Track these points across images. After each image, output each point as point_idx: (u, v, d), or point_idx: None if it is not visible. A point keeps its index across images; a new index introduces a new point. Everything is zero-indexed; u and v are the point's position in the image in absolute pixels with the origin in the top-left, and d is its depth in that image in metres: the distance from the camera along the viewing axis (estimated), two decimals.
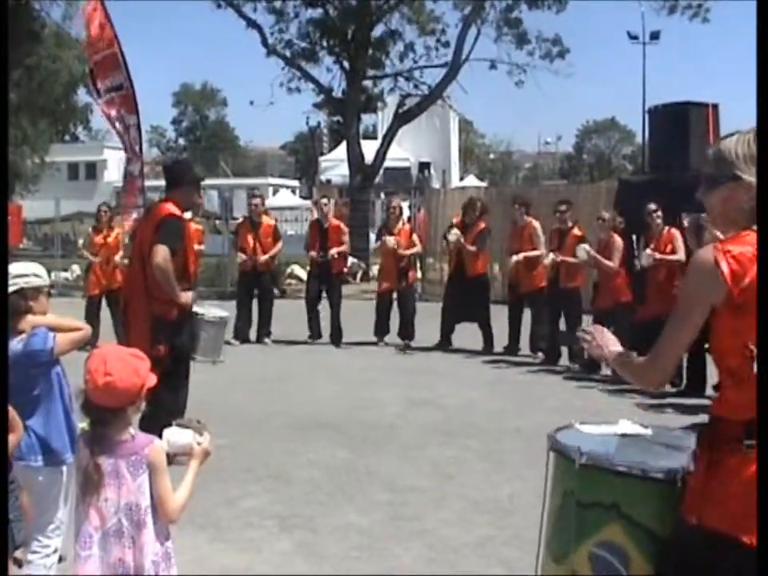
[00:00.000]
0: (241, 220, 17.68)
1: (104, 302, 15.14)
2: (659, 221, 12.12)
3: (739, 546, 3.13)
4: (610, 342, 3.79)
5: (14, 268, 5.18)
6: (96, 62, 11.49)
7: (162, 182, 8.93)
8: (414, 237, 16.00)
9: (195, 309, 8.68)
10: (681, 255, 11.80)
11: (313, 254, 15.93)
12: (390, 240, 15.33)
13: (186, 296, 8.44)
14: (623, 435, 4.07)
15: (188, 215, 10.98)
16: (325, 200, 16.61)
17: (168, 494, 3.93)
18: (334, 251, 15.77)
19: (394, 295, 15.76)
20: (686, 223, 11.93)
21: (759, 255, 3.22)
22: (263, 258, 15.93)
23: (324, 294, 15.98)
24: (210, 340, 8.79)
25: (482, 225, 15.13)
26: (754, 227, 3.32)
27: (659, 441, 4.02)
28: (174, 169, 9.21)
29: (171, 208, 8.48)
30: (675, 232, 12.02)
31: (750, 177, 3.33)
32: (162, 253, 8.19)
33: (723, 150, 3.40)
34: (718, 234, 3.50)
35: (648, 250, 12.10)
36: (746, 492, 3.14)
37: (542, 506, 4.03)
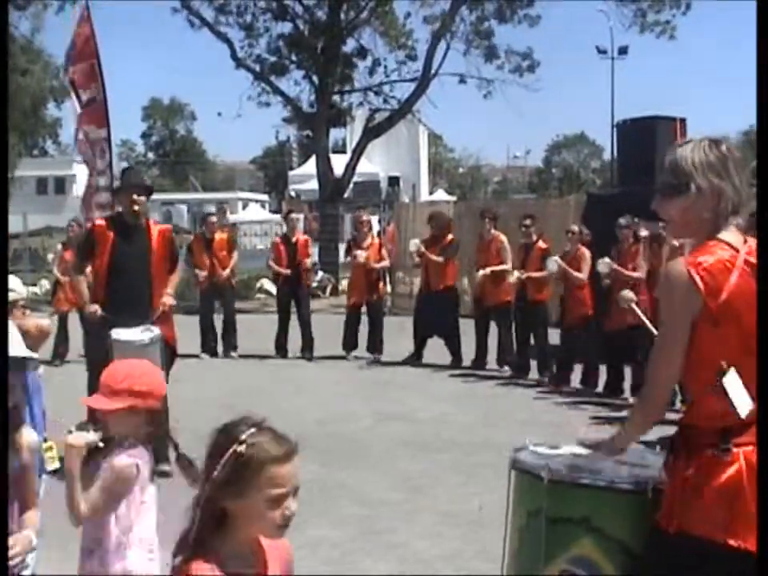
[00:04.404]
0: (192, 237, 17.87)
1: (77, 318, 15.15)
2: (629, 236, 12.11)
3: (725, 550, 3.15)
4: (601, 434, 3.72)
5: None
6: (76, 71, 11.52)
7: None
8: (383, 251, 16.06)
9: (116, 331, 8.25)
10: (641, 273, 11.85)
11: (281, 269, 15.94)
12: (361, 255, 15.37)
13: (90, 306, 8.79)
14: (578, 455, 3.99)
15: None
16: (295, 215, 16.71)
17: None
18: (308, 261, 15.88)
19: (363, 309, 15.81)
20: (644, 233, 12.00)
21: (760, 255, 3.27)
22: (225, 272, 16.06)
23: (293, 309, 16.01)
24: None
25: (450, 237, 15.19)
26: (720, 236, 3.35)
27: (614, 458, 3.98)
28: (120, 176, 9.61)
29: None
30: (640, 248, 12.03)
31: (707, 185, 3.34)
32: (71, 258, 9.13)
33: (680, 159, 3.39)
34: (676, 243, 3.53)
35: (606, 258, 12.14)
36: (727, 495, 3.17)
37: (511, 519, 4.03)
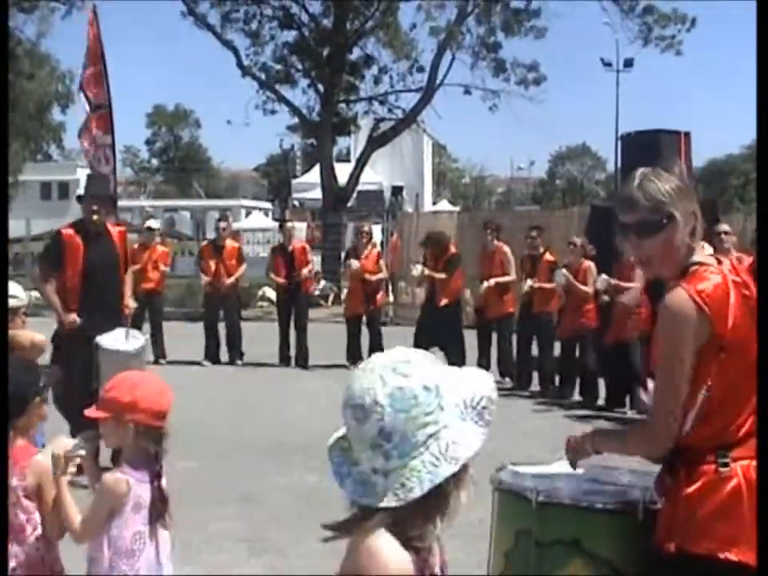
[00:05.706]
0: (204, 243, 17.88)
1: None
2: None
3: (727, 565, 3.15)
4: (580, 439, 3.72)
5: None
6: (86, 75, 11.58)
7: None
8: (381, 262, 16.05)
9: (101, 338, 8.25)
10: (638, 283, 11.85)
11: (279, 279, 15.99)
12: (354, 263, 15.36)
13: (69, 316, 8.56)
14: (560, 474, 3.96)
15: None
16: (290, 224, 16.76)
17: None
18: (305, 271, 15.87)
19: (363, 319, 15.80)
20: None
21: (760, 255, 3.26)
22: (228, 281, 16.00)
23: (292, 317, 16.02)
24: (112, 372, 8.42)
25: (453, 250, 15.05)
26: (695, 259, 3.34)
27: (595, 478, 3.93)
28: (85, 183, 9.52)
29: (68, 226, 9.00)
30: None
31: (683, 212, 3.34)
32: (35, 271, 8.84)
33: (654, 193, 3.37)
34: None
35: (603, 276, 12.15)
36: (727, 510, 3.17)
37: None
